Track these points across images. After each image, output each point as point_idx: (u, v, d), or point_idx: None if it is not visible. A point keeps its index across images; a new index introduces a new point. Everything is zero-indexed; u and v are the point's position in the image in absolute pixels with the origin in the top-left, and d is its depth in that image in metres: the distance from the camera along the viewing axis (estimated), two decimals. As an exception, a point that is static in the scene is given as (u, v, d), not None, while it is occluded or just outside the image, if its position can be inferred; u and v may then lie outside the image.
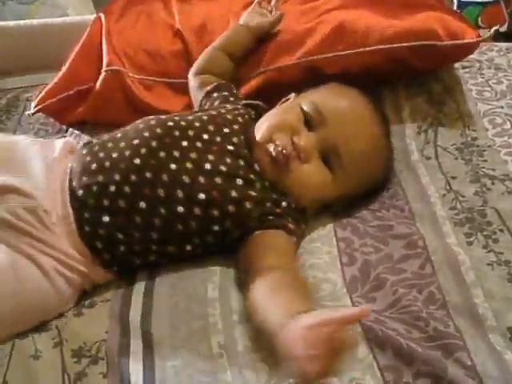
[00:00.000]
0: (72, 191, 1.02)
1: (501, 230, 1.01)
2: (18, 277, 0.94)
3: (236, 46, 1.32)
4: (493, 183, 1.10)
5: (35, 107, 1.40)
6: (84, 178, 1.03)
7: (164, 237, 1.01)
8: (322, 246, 1.03)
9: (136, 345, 0.89)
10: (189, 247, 1.02)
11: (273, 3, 1.36)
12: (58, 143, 1.16)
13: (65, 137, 1.36)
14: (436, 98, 1.33)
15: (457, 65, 1.42)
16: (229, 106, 1.18)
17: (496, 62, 1.44)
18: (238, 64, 1.32)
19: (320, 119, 1.08)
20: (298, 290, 0.88)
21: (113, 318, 0.95)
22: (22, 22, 1.73)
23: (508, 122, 1.24)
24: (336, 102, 1.12)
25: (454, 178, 1.13)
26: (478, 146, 1.20)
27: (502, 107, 1.29)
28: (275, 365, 0.83)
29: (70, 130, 1.41)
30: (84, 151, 1.08)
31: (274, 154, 1.05)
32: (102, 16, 1.46)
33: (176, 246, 1.02)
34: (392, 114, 1.30)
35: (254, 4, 1.36)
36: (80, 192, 1.02)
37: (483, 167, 1.14)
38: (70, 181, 1.04)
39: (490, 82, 1.37)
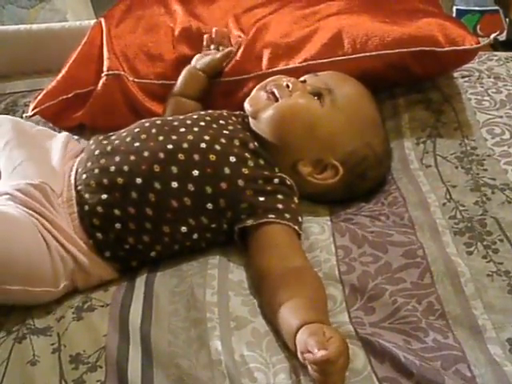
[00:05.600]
0: (77, 177, 1.08)
1: (501, 240, 1.01)
2: (25, 235, 0.98)
3: (191, 87, 1.32)
4: (493, 192, 1.10)
5: (33, 109, 1.40)
6: (88, 164, 1.09)
7: (159, 214, 1.03)
8: (321, 253, 1.03)
9: (135, 352, 0.89)
10: (184, 228, 1.03)
11: (225, 42, 1.36)
12: (81, 144, 1.25)
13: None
14: (435, 107, 1.33)
15: (456, 74, 1.42)
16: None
17: (495, 72, 1.44)
18: (201, 101, 1.32)
19: (313, 75, 1.18)
20: (298, 298, 0.89)
21: (112, 323, 0.94)
22: (21, 27, 1.73)
23: (507, 132, 1.24)
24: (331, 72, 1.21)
25: (454, 186, 1.13)
26: (477, 155, 1.20)
27: (501, 117, 1.29)
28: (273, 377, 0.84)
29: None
30: (91, 142, 1.15)
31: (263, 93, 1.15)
32: (103, 20, 1.46)
33: (170, 225, 1.03)
34: (390, 122, 1.31)
35: (203, 48, 1.37)
36: (84, 176, 1.07)
37: (483, 176, 1.14)
38: (77, 169, 1.10)
39: (489, 92, 1.36)
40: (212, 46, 1.36)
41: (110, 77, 1.35)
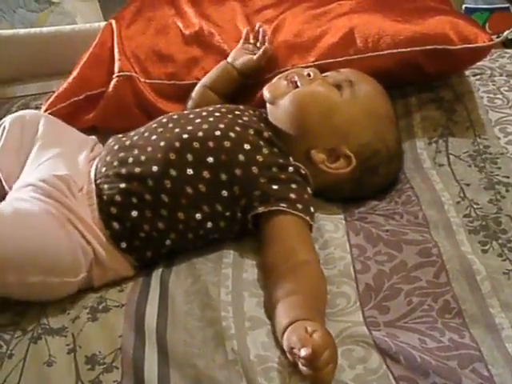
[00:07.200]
0: (97, 171, 1.11)
1: (516, 238, 1.00)
2: (43, 228, 1.00)
3: (223, 83, 1.32)
4: (507, 190, 1.10)
5: (44, 112, 1.40)
6: (108, 158, 1.12)
7: (174, 200, 1.05)
8: (335, 250, 1.03)
9: (151, 353, 0.88)
10: (198, 215, 1.05)
11: (260, 39, 1.35)
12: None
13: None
14: (447, 106, 1.32)
15: (468, 72, 1.41)
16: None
17: (507, 69, 1.43)
18: (227, 99, 1.31)
19: (335, 71, 1.20)
20: (292, 296, 0.91)
21: (128, 323, 0.94)
22: (31, 30, 1.74)
23: (520, 131, 1.24)
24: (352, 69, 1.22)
25: (467, 185, 1.13)
26: (490, 153, 1.19)
27: (514, 115, 1.28)
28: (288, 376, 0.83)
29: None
30: (110, 140, 1.18)
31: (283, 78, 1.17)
32: (113, 22, 1.46)
33: (185, 212, 1.04)
34: (402, 122, 1.30)
35: (241, 41, 1.36)
36: (103, 169, 1.10)
37: (497, 174, 1.14)
38: (97, 165, 1.12)
39: (501, 90, 1.36)
40: (251, 41, 1.35)
41: (121, 78, 1.36)
